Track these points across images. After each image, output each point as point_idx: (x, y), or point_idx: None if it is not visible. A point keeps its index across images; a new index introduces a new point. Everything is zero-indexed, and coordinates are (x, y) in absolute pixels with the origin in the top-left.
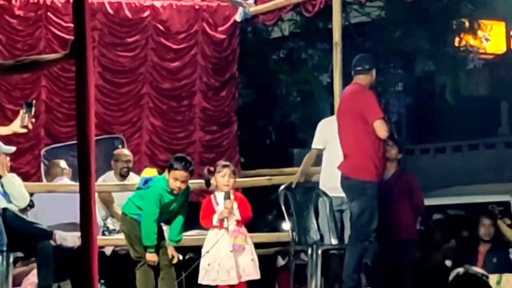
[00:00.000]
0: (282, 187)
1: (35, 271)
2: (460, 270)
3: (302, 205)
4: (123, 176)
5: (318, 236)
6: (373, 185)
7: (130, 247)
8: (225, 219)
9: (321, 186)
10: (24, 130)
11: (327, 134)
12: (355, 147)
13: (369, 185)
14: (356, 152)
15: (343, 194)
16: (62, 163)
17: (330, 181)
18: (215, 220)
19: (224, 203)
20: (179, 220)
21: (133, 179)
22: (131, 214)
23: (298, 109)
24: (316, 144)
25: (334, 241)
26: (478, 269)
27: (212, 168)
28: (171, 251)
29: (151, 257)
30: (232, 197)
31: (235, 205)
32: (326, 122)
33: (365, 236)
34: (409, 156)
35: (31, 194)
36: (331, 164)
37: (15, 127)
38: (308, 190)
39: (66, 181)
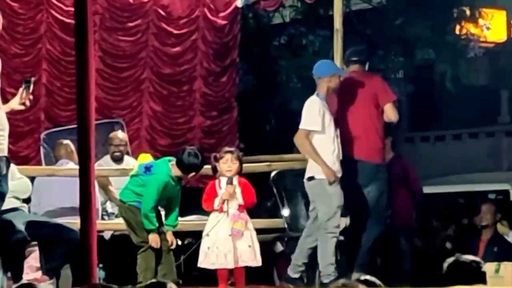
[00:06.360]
0: (273, 173)
1: (33, 255)
2: (450, 259)
3: (292, 192)
4: (115, 160)
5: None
6: (384, 169)
7: (132, 233)
8: (225, 202)
9: None
10: (22, 107)
11: None
12: (368, 131)
13: (381, 168)
14: (369, 135)
15: None
16: (68, 145)
17: None
18: (216, 203)
19: (226, 188)
20: (177, 205)
21: (130, 163)
22: (130, 202)
23: (298, 95)
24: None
25: None
26: (469, 257)
27: (218, 155)
28: (169, 236)
29: (154, 238)
30: (235, 182)
31: (238, 190)
32: None
33: (384, 219)
34: (409, 144)
35: (32, 179)
36: None
37: (13, 104)
38: (297, 177)
39: (71, 165)
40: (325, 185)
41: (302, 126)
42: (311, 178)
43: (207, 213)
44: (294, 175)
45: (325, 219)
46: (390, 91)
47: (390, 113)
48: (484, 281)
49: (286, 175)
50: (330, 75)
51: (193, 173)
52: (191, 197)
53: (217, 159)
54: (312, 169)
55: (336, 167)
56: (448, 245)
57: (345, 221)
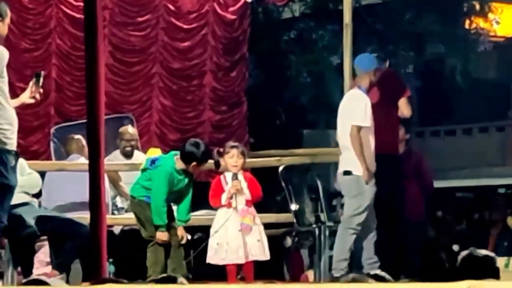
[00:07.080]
0: (280, 168)
1: (43, 250)
2: (464, 253)
3: (298, 187)
4: (126, 155)
5: (314, 218)
6: (399, 161)
7: (141, 228)
8: (233, 197)
9: None
10: (32, 101)
11: None
12: (383, 125)
13: (397, 160)
14: (384, 129)
15: None
16: (79, 139)
17: None
18: (223, 199)
19: (232, 183)
20: (187, 200)
21: (140, 158)
22: (139, 197)
23: (308, 90)
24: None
25: (328, 223)
26: (483, 251)
27: (221, 150)
28: (180, 231)
29: (162, 236)
30: (241, 177)
31: (245, 185)
32: None
33: (401, 214)
34: (419, 139)
35: (42, 174)
36: None
37: (24, 98)
38: (304, 172)
39: (82, 160)
40: (362, 182)
41: (355, 122)
42: (347, 173)
43: (216, 208)
44: (301, 170)
45: (350, 214)
46: (404, 86)
47: (404, 108)
48: (497, 276)
49: (293, 170)
50: (373, 69)
51: (194, 163)
52: (200, 191)
53: (220, 154)
54: (350, 164)
55: (373, 163)
56: (455, 247)
57: None
